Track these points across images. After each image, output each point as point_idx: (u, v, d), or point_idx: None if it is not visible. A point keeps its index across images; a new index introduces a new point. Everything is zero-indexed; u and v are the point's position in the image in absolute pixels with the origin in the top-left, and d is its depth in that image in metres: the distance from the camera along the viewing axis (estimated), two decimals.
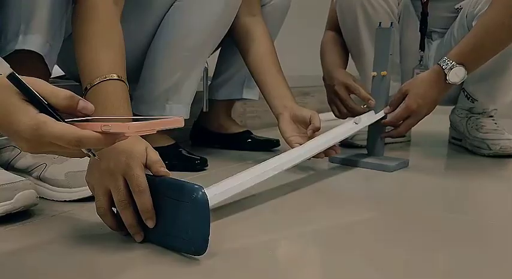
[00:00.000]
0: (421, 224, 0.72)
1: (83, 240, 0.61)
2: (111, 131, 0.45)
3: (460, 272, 0.55)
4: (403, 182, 0.98)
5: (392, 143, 1.39)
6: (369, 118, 1.06)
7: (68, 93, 0.47)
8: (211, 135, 1.25)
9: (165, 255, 0.57)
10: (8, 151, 0.80)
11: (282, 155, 0.83)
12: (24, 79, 0.46)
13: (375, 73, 1.07)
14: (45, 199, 0.77)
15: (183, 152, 1.02)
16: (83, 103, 0.47)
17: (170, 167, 0.96)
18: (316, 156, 0.95)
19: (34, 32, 0.76)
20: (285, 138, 0.99)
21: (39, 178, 0.78)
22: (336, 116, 1.17)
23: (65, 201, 0.76)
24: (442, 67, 0.99)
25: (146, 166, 0.61)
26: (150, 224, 0.58)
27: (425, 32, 1.20)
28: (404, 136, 1.40)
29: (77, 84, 1.13)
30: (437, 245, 0.63)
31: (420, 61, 1.22)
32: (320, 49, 1.31)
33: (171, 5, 0.96)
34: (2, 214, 0.66)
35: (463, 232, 0.68)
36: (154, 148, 0.99)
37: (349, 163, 1.08)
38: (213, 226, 0.67)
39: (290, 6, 1.21)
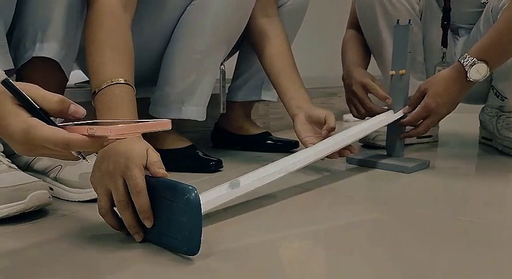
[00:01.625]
0: (428, 227, 0.69)
1: (86, 239, 0.63)
2: (95, 134, 0.46)
3: (458, 275, 0.53)
4: (419, 183, 0.94)
5: (418, 143, 1.35)
6: (386, 118, 1.04)
7: (59, 97, 0.49)
8: (230, 136, 1.26)
9: (162, 255, 0.58)
10: None
11: (288, 157, 0.82)
12: (18, 84, 0.48)
13: (393, 71, 1.05)
14: (61, 199, 0.81)
15: (199, 153, 1.04)
16: (74, 107, 0.49)
17: (186, 168, 1.00)
18: (330, 156, 0.94)
19: (50, 39, 0.80)
20: (300, 139, 0.99)
21: (55, 179, 0.82)
22: (354, 116, 1.15)
23: (78, 201, 0.79)
24: (462, 64, 0.96)
25: (146, 167, 0.62)
26: (148, 224, 0.59)
27: (447, 28, 1.16)
28: (430, 136, 1.37)
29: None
30: (440, 249, 0.61)
31: (443, 58, 1.18)
32: (341, 48, 1.29)
33: (185, 9, 0.98)
34: (16, 213, 0.69)
35: (470, 235, 0.66)
36: (171, 149, 1.04)
37: (366, 164, 1.05)
38: (214, 226, 0.68)
39: (308, 6, 1.20)
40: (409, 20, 1.03)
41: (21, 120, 0.47)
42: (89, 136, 0.47)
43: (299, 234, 0.67)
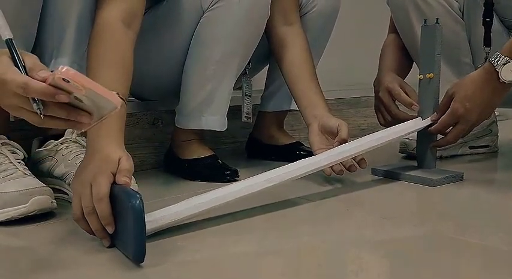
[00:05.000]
0: (434, 249, 0.62)
1: (68, 243, 0.67)
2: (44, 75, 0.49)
3: None
4: (441, 198, 0.85)
5: (472, 154, 1.22)
6: (412, 125, 0.96)
7: (30, 62, 0.53)
8: (263, 146, 1.25)
9: (118, 261, 0.59)
10: (47, 161, 0.91)
11: (283, 167, 0.79)
12: (19, 49, 0.53)
13: (421, 76, 0.96)
14: None
15: (218, 163, 1.04)
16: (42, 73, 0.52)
17: (202, 177, 1.02)
18: (338, 173, 0.90)
19: (63, 55, 0.86)
20: (313, 151, 0.95)
21: (69, 185, 0.88)
22: (381, 124, 1.08)
23: None
24: (492, 63, 0.85)
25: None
26: (109, 229, 0.61)
27: (490, 25, 1.04)
28: (487, 146, 1.23)
29: (133, 100, 1.24)
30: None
31: (486, 58, 1.05)
32: (380, 53, 1.22)
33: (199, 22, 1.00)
34: (21, 216, 0.74)
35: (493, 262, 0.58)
36: (190, 159, 1.05)
37: (391, 176, 0.98)
38: (182, 237, 0.68)
39: (339, 10, 1.16)
40: (437, 19, 0.94)
41: (4, 68, 0.52)
42: (46, 82, 0.49)
43: (270, 252, 0.63)
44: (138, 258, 0.56)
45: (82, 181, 0.64)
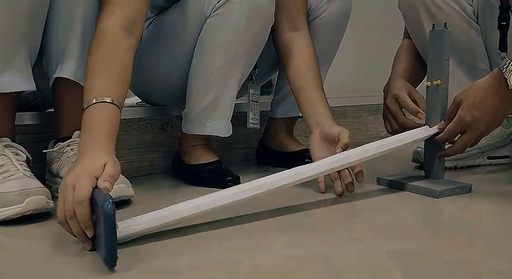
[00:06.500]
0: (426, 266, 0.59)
1: (57, 242, 0.68)
2: None
3: None
4: (441, 210, 0.81)
5: (490, 165, 1.16)
6: (418, 134, 0.92)
7: None
8: (272, 153, 1.24)
9: (94, 264, 0.60)
10: (55, 162, 0.93)
11: (272, 176, 0.78)
12: None
13: (429, 83, 0.93)
14: None
15: (222, 169, 1.04)
16: None
17: (204, 183, 1.02)
18: (337, 192, 0.89)
19: (67, 61, 0.89)
20: (314, 160, 0.93)
21: None
22: (388, 132, 1.04)
23: None
24: (501, 70, 0.80)
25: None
26: (88, 233, 0.62)
27: (506, 29, 0.98)
28: (507, 156, 1.17)
29: (147, 105, 1.26)
30: None
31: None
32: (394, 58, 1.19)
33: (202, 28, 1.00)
34: (16, 216, 0.76)
35: None
36: (196, 164, 1.05)
37: (396, 186, 0.94)
38: (166, 242, 0.67)
39: (350, 15, 1.14)
40: (445, 23, 0.90)
41: None
42: None
43: (259, 258, 0.62)
44: (109, 262, 0.56)
45: (66, 184, 0.65)
